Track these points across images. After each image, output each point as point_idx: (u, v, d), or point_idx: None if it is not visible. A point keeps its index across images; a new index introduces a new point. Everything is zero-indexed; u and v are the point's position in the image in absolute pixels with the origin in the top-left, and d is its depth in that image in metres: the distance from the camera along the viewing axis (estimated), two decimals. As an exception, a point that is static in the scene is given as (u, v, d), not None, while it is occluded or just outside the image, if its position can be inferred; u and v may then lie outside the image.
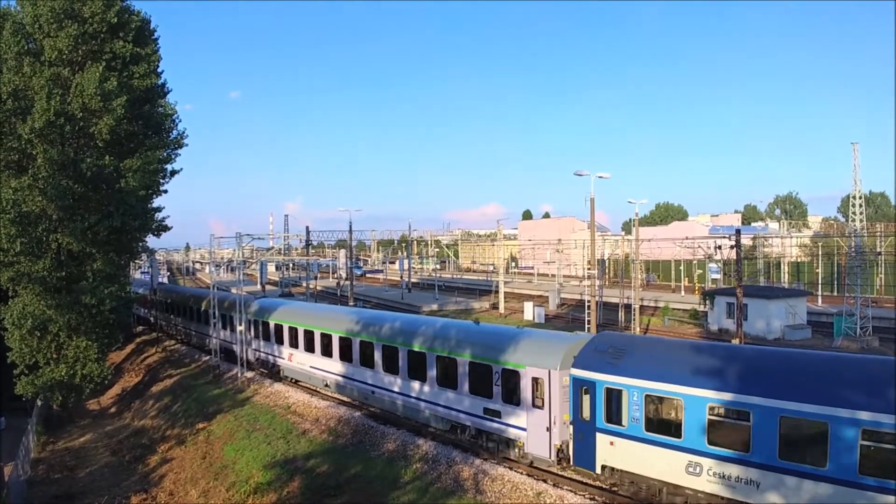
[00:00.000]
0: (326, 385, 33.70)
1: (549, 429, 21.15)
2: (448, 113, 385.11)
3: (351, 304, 64.96)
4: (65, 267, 35.63)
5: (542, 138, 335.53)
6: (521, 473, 22.01)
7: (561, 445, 21.10)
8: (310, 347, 34.75)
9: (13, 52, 33.55)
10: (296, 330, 36.17)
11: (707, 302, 56.45)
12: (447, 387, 25.27)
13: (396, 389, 28.25)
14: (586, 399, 20.12)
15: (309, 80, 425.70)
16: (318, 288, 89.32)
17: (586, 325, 43.01)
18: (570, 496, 19.98)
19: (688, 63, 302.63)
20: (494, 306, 73.19)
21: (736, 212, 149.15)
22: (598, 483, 20.81)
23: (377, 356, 29.31)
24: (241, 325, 41.43)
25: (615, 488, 20.32)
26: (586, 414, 20.11)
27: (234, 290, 52.26)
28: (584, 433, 20.16)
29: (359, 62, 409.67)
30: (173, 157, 41.67)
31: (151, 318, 67.41)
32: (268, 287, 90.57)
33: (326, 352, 33.22)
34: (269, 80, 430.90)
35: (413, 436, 26.55)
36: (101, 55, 35.42)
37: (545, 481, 21.31)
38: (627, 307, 55.38)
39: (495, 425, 23.19)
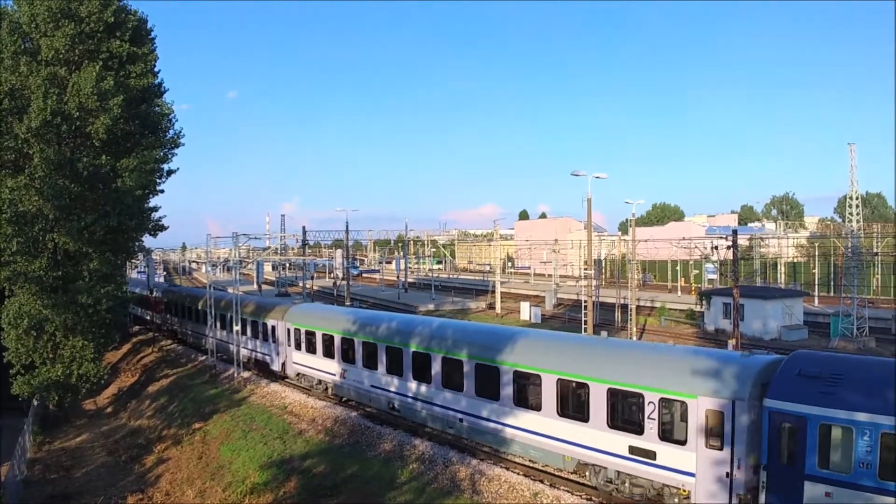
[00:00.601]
0: (393, 408, 28.72)
1: (729, 475, 17.05)
2: (445, 114, 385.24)
3: (347, 304, 64.95)
4: (61, 266, 35.59)
5: (539, 139, 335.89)
6: (518, 474, 22.03)
7: (745, 496, 17.07)
8: (370, 363, 29.87)
9: (10, 51, 33.52)
10: (351, 341, 31.34)
11: (703, 302, 56.55)
12: (574, 418, 20.66)
13: (498, 419, 23.15)
14: (788, 438, 16.29)
15: (306, 80, 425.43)
16: (315, 288, 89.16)
17: (582, 325, 43.08)
18: (566, 496, 19.99)
19: (684, 63, 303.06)
20: (491, 306, 73.28)
21: (732, 212, 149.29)
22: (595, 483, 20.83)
23: (468, 377, 24.28)
24: (237, 325, 41.35)
25: None
26: (788, 457, 16.26)
27: (230, 290, 52.20)
28: (785, 481, 16.27)
29: (356, 62, 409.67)
30: (170, 156, 41.78)
31: (148, 317, 67.00)
32: (264, 287, 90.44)
33: (394, 370, 28.35)
34: (267, 80, 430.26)
35: (409, 436, 26.54)
36: (98, 54, 35.41)
37: (542, 482, 21.33)
38: (624, 307, 55.49)
39: (646, 468, 18.81)
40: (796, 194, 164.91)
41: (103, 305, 35.21)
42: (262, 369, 40.78)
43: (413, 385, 27.16)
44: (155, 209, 41.43)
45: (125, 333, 63.51)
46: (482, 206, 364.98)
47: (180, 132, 42.12)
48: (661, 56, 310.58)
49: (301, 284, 78.60)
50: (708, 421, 17.42)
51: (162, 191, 41.98)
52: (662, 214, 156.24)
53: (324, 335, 33.72)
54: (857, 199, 49.28)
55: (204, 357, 47.17)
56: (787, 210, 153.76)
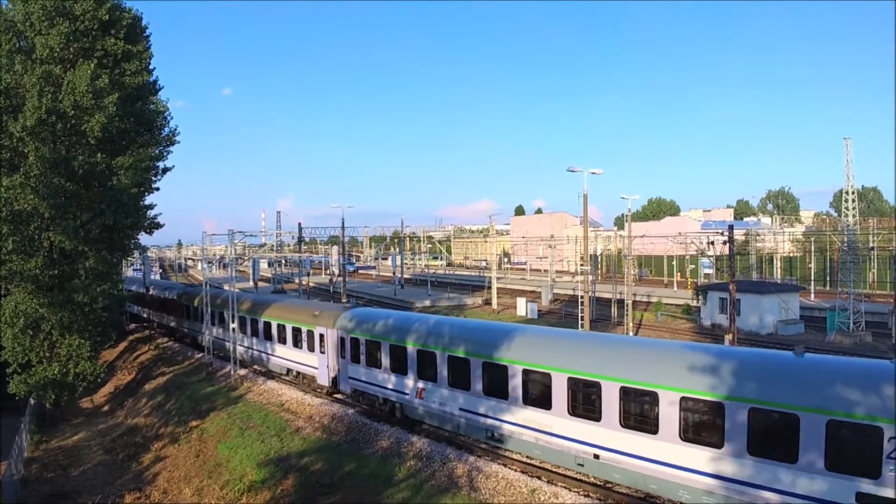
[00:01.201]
0: (492, 437, 23.71)
1: None
2: (442, 111, 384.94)
3: (344, 300, 64.92)
4: (57, 265, 35.56)
5: (534, 135, 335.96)
6: (516, 471, 22.07)
7: None
8: (460, 382, 24.70)
9: (4, 50, 33.39)
10: (431, 355, 26.10)
11: (700, 297, 56.69)
12: (773, 458, 16.36)
13: (652, 457, 18.62)
14: None
15: (301, 77, 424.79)
16: (311, 284, 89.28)
17: (579, 321, 43.13)
18: (564, 493, 20.02)
19: (680, 60, 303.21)
20: (487, 302, 73.33)
21: (728, 207, 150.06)
22: (592, 480, 20.88)
23: (608, 403, 19.66)
24: (234, 322, 41.29)
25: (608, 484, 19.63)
26: None
27: (226, 287, 52.13)
28: None
29: (353, 61, 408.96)
30: (165, 154, 41.57)
31: (145, 315, 66.85)
32: (260, 284, 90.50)
33: (495, 390, 23.30)
34: (262, 77, 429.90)
35: (407, 433, 26.56)
36: (93, 53, 35.30)
37: (539, 478, 21.38)
38: (620, 302, 55.62)
39: None
40: (792, 188, 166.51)
41: (99, 304, 35.17)
42: (260, 369, 40.48)
43: (526, 412, 22.32)
44: (150, 207, 41.35)
45: (121, 331, 63.45)
46: (478, 201, 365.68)
47: (175, 130, 42.12)
48: (658, 54, 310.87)
49: (297, 281, 78.63)
50: None
51: (157, 188, 41.87)
52: (658, 209, 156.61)
53: (392, 346, 28.34)
54: (853, 193, 49.43)
55: (200, 355, 47.14)
56: (783, 204, 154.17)
